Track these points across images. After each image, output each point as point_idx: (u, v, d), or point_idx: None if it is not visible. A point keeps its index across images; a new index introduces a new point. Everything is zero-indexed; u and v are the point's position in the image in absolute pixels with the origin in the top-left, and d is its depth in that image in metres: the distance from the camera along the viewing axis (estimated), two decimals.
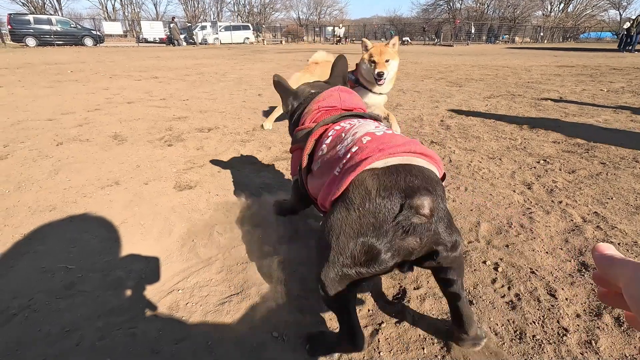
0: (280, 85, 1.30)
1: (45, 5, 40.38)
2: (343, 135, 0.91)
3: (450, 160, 2.36)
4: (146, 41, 25.63)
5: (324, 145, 0.95)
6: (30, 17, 20.11)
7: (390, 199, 0.69)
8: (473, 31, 32.47)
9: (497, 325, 1.01)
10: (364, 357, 0.91)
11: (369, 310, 1.07)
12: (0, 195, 1.82)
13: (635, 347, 0.93)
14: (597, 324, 1.01)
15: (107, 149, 2.59)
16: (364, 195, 0.72)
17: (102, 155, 2.45)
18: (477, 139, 2.86)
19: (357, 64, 2.68)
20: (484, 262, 1.29)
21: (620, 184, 1.96)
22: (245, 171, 2.18)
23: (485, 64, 9.82)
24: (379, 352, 0.92)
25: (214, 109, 3.97)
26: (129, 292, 1.14)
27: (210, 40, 26.58)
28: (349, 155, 0.81)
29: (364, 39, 2.65)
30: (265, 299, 1.11)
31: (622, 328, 0.99)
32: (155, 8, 52.90)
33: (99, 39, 22.06)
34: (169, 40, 23.46)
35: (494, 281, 1.19)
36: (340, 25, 35.15)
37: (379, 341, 0.95)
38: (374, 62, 2.50)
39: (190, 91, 5.19)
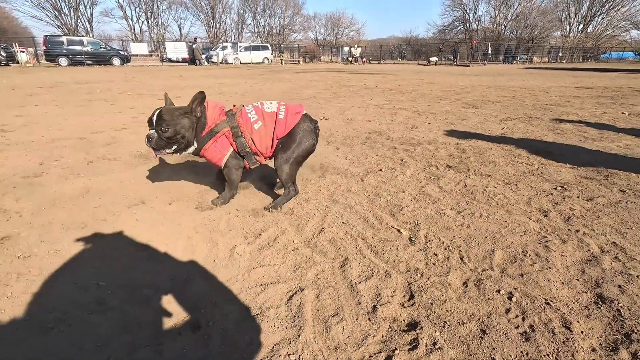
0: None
1: (78, 27, 42.88)
2: (261, 108, 1.95)
3: (466, 185, 2.38)
4: (169, 61, 26.72)
5: (254, 115, 1.92)
6: (64, 39, 21.37)
7: (313, 125, 2.01)
8: (490, 51, 32.50)
9: (511, 355, 1.02)
10: None
11: (382, 337, 1.10)
12: (38, 211, 1.94)
13: None
14: (614, 359, 1.01)
15: (134, 167, 2.73)
16: (307, 125, 1.98)
17: (128, 174, 2.58)
18: (493, 163, 2.87)
19: None
20: (498, 291, 1.30)
21: None
22: (264, 194, 2.26)
23: (502, 85, 9.82)
24: None
25: None
26: (155, 309, 1.20)
27: (230, 60, 27.50)
28: (282, 114, 1.92)
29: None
30: (282, 320, 1.16)
31: None
32: (179, 29, 55.32)
33: (125, 59, 23.18)
34: (192, 60, 24.41)
35: (507, 311, 1.20)
36: (356, 45, 35.85)
37: None
38: None
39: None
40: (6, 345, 1.05)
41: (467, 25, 48.95)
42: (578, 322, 1.15)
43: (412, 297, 1.27)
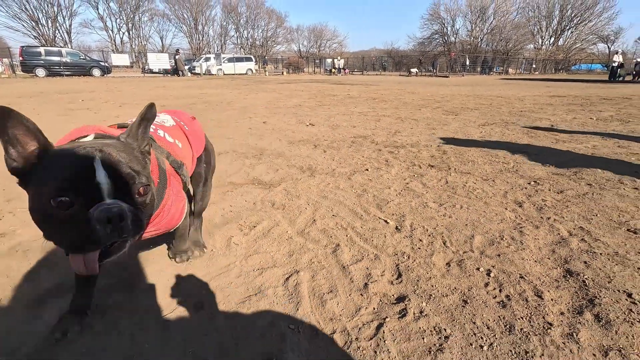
0: None
1: (56, 39, 42.13)
2: (160, 123, 1.34)
3: (447, 182, 2.53)
4: (151, 72, 26.53)
5: (163, 132, 1.26)
6: (42, 49, 20.99)
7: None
8: (468, 63, 33.72)
9: (490, 320, 1.13)
10: (370, 345, 1.03)
11: (374, 308, 1.19)
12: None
13: (611, 339, 1.05)
14: (579, 319, 1.13)
15: None
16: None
17: None
18: (472, 162, 3.04)
19: None
20: (478, 268, 1.42)
21: (605, 203, 2.11)
22: (256, 191, 2.33)
23: (480, 94, 10.23)
24: (384, 341, 1.04)
25: (222, 135, 4.18)
26: (158, 294, 1.26)
27: (214, 71, 27.55)
28: (186, 124, 1.44)
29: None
30: (280, 297, 1.23)
31: (601, 323, 1.11)
32: (161, 41, 55.12)
33: (106, 70, 22.92)
34: (174, 71, 24.32)
35: (486, 285, 1.32)
36: (339, 57, 36.55)
37: (384, 332, 1.07)
38: None
39: (197, 119, 5.43)
40: None
41: (446, 38, 50.72)
42: (548, 291, 1.27)
43: (399, 275, 1.37)
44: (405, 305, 1.19)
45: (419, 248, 1.59)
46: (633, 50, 47.58)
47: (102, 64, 23.35)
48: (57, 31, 42.76)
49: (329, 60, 38.00)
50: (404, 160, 3.12)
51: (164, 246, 1.56)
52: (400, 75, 33.09)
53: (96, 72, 22.08)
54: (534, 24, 49.40)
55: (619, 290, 1.28)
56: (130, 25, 50.13)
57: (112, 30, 49.35)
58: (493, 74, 33.97)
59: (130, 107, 6.85)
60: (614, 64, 19.80)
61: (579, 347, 1.02)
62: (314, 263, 1.46)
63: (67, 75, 20.68)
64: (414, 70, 31.45)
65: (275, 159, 3.12)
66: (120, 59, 29.30)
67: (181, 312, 1.17)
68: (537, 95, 10.03)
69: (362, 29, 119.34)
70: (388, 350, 1.00)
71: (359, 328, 1.09)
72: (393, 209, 2.03)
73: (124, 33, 50.40)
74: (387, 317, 1.14)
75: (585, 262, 1.47)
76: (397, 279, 1.35)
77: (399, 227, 1.79)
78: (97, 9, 47.72)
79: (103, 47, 44.63)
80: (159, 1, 58.34)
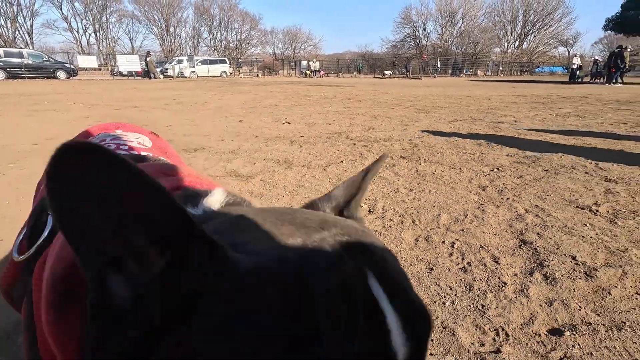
0: None
1: (16, 40, 40.09)
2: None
3: (417, 171, 2.67)
4: (121, 74, 25.75)
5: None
6: (1, 51, 19.93)
7: None
8: (439, 65, 34.79)
9: (452, 282, 1.24)
10: None
11: None
12: (1, 205, 1.93)
13: (556, 292, 1.19)
14: (530, 279, 1.27)
15: None
16: None
17: None
18: (441, 154, 3.21)
19: None
20: (443, 242, 1.54)
21: (558, 185, 2.31)
22: (234, 182, 2.38)
23: (450, 94, 10.63)
24: None
25: (198, 133, 4.18)
26: None
27: (187, 73, 27.06)
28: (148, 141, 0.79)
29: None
30: None
31: (548, 281, 1.25)
32: (131, 42, 53.53)
33: (72, 72, 22.03)
34: (145, 74, 23.72)
35: (450, 255, 1.44)
36: (315, 59, 36.82)
37: None
38: None
39: (172, 118, 5.39)
40: None
41: (418, 41, 52.10)
42: (505, 258, 1.41)
43: None
44: None
45: (390, 227, 1.70)
46: (590, 53, 50.60)
47: (68, 66, 22.42)
48: (17, 32, 40.70)
49: (304, 63, 38.19)
50: (378, 153, 3.25)
51: None
52: (374, 77, 33.68)
53: (61, 74, 21.17)
54: (499, 28, 51.64)
55: (565, 255, 1.43)
56: (97, 26, 48.41)
57: (77, 32, 47.49)
58: (463, 76, 35.21)
59: (101, 108, 6.67)
60: (573, 66, 21.06)
61: (528, 300, 1.15)
62: None
63: (29, 77, 19.73)
64: (387, 72, 32.11)
65: (252, 154, 3.17)
66: (87, 61, 28.27)
67: None
68: (503, 95, 10.54)
69: (337, 32, 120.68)
70: None
71: None
72: (366, 195, 2.14)
73: (90, 34, 48.60)
74: None
75: (538, 234, 1.62)
76: None
77: (371, 210, 1.90)
78: (61, 9, 45.58)
79: (68, 48, 42.80)
80: (127, 2, 56.58)
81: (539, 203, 2.00)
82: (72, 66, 22.87)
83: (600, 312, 1.09)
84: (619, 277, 1.26)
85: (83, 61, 27.82)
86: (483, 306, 1.11)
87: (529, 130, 4.44)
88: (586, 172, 2.59)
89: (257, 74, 35.08)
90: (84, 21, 47.52)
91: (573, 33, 51.65)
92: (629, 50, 16.13)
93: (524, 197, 2.09)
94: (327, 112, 6.40)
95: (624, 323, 1.04)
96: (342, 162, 2.93)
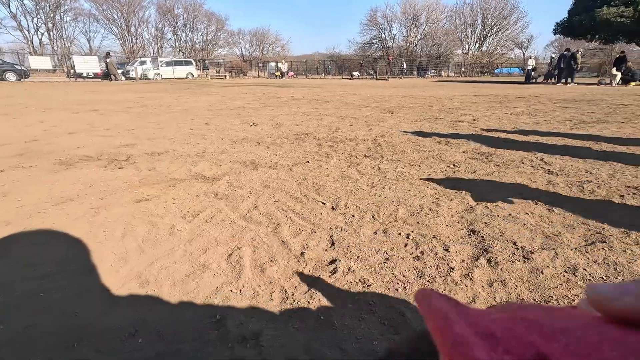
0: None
1: None
2: None
3: (379, 169, 2.78)
4: (79, 76, 24.46)
5: None
6: None
7: None
8: (405, 67, 35.79)
9: (406, 270, 1.34)
10: (304, 297, 1.18)
11: (309, 270, 1.34)
12: None
13: (497, 275, 1.31)
14: (475, 264, 1.39)
15: (54, 172, 2.63)
16: None
17: (51, 177, 2.49)
18: (403, 152, 3.36)
19: None
20: (399, 234, 1.64)
21: (507, 178, 2.50)
22: (199, 185, 2.38)
23: (416, 95, 11.00)
24: (317, 293, 1.20)
25: (162, 136, 4.10)
26: (98, 280, 1.29)
27: (151, 75, 26.15)
28: None
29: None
30: (224, 270, 1.34)
31: (491, 265, 1.38)
32: (89, 43, 50.95)
33: (23, 74, 20.68)
34: (105, 75, 22.69)
35: (405, 245, 1.54)
36: (283, 61, 36.71)
37: (316, 286, 1.23)
38: None
39: (135, 122, 5.24)
40: None
41: (384, 43, 53.28)
42: (454, 246, 1.53)
43: (333, 244, 1.55)
44: (336, 265, 1.36)
45: (351, 222, 1.78)
46: (543, 55, 53.92)
47: (18, 67, 21.01)
48: None
49: (272, 64, 37.97)
50: (343, 152, 3.35)
51: (116, 235, 1.58)
52: (343, 78, 34.10)
53: (10, 76, 19.81)
54: (461, 31, 53.95)
55: (507, 241, 1.57)
56: (50, 25, 45.66)
57: (28, 31, 44.57)
58: (428, 77, 36.42)
59: (57, 112, 6.35)
60: (528, 67, 22.39)
61: (472, 282, 1.26)
62: (255, 240, 1.58)
63: None
64: (355, 73, 32.63)
65: (218, 156, 3.16)
66: (40, 62, 26.58)
67: (129, 288, 1.22)
68: (464, 94, 11.04)
69: (305, 33, 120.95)
70: (319, 299, 1.16)
71: (295, 286, 1.24)
72: (330, 193, 2.22)
73: (42, 34, 45.77)
74: (320, 275, 1.30)
75: (485, 223, 1.76)
76: (330, 246, 1.52)
77: (334, 207, 1.98)
78: (9, 7, 42.58)
79: (18, 48, 40.04)
80: (83, 0, 53.76)
81: (489, 195, 2.16)
82: (22, 67, 21.46)
83: (533, 290, 1.23)
84: (551, 258, 1.41)
85: (35, 62, 26.13)
86: (431, 289, 1.21)
87: (485, 129, 4.72)
88: (532, 166, 2.81)
89: (225, 76, 34.48)
90: (35, 19, 44.68)
91: (527, 36, 54.90)
92: (580, 52, 17.39)
93: (476, 190, 2.25)
94: (295, 113, 6.45)
95: (552, 297, 1.18)
96: (308, 162, 2.99)
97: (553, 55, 22.57)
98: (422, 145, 3.69)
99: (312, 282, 1.26)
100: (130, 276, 1.30)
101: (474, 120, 5.52)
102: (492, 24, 51.95)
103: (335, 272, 1.31)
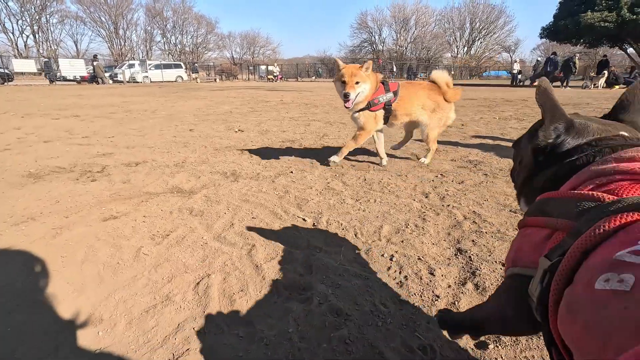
0: (548, 97, 0.65)
1: None
2: None
3: (365, 179, 2.69)
4: (65, 79, 23.96)
5: None
6: None
7: None
8: (395, 70, 35.99)
9: (387, 299, 1.24)
10: (274, 334, 1.06)
11: (282, 300, 1.23)
12: None
13: (482, 301, 1.21)
14: (462, 290, 1.29)
15: (21, 187, 2.47)
16: None
17: (14, 193, 2.34)
18: (389, 161, 3.27)
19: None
20: (382, 255, 1.54)
21: (495, 189, 2.42)
22: (174, 199, 2.26)
23: None
24: (289, 329, 1.09)
25: (143, 144, 3.95)
26: (52, 317, 1.16)
27: (139, 78, 25.79)
28: None
29: (337, 59, 2.94)
30: (189, 302, 1.22)
31: (479, 291, 1.29)
32: (76, 45, 50.16)
33: (7, 77, 20.22)
34: (92, 79, 22.30)
35: (388, 268, 1.44)
36: (275, 64, 36.64)
37: (288, 320, 1.12)
38: (344, 82, 2.72)
39: (116, 128, 5.07)
40: None
41: (374, 46, 53.58)
42: (440, 269, 1.43)
43: (310, 267, 1.44)
44: (312, 294, 1.26)
45: (332, 241, 1.67)
46: (530, 58, 54.81)
47: (1, 70, 20.53)
48: None
49: (262, 67, 37.84)
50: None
51: (77, 259, 1.44)
52: (333, 81, 34.11)
53: None
54: (449, 35, 54.50)
55: (495, 262, 1.48)
56: (36, 27, 44.81)
57: (12, 33, 43.68)
58: (418, 80, 36.66)
59: (36, 118, 6.13)
60: (514, 71, 22.70)
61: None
62: (227, 265, 1.46)
63: None
64: None
65: (198, 167, 3.03)
66: (24, 65, 25.95)
67: (78, 328, 1.09)
68: None
69: (295, 36, 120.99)
70: (290, 338, 1.05)
71: (266, 320, 1.13)
72: (312, 207, 2.11)
73: (27, 36, 44.91)
74: (293, 307, 1.19)
75: (473, 241, 1.67)
76: (307, 271, 1.42)
77: (315, 224, 1.87)
78: None
79: (2, 51, 39.19)
80: (70, 2, 52.93)
81: (477, 209, 2.07)
82: (6, 70, 20.99)
83: None
84: None
85: (20, 65, 25.53)
86: (415, 323, 1.11)
87: (473, 135, 4.67)
88: None
89: (215, 79, 34.21)
90: (20, 22, 43.82)
91: (514, 40, 55.70)
92: (577, 57, 17.73)
93: (463, 203, 2.16)
94: (282, 118, 6.35)
95: None
96: (292, 172, 2.88)
97: (539, 59, 22.94)
98: (409, 152, 3.62)
99: (283, 315, 1.15)
100: (83, 312, 1.17)
101: (462, 125, 5.47)
102: (480, 27, 52.64)
103: (309, 302, 1.20)
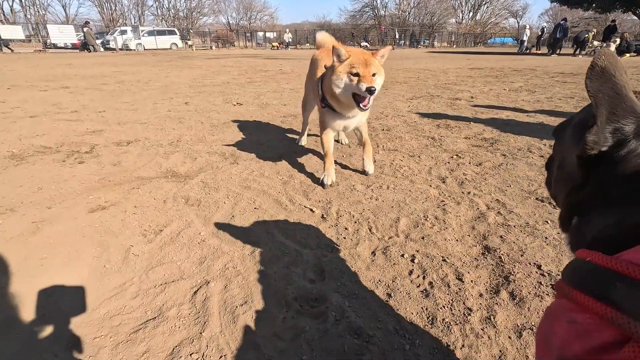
0: (607, 81, 0.39)
1: None
2: None
3: (375, 161, 2.48)
4: (55, 47, 22.99)
5: None
6: None
7: None
8: (397, 36, 34.62)
9: (413, 313, 1.08)
10: None
11: (292, 317, 1.08)
12: None
13: (524, 317, 1.06)
14: (496, 300, 1.13)
15: (2, 170, 2.27)
16: None
17: None
18: (399, 138, 3.05)
19: (321, 76, 2.11)
20: (402, 255, 1.37)
21: (517, 172, 2.23)
22: (168, 186, 2.06)
23: (409, 67, 10.52)
24: (303, 356, 0.93)
25: (135, 120, 3.70)
26: (25, 334, 1.00)
27: (133, 45, 24.76)
28: None
29: (334, 45, 1.98)
30: (185, 319, 1.06)
31: (515, 301, 1.13)
32: (65, 10, 47.92)
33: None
34: (83, 46, 21.38)
35: (410, 272, 1.27)
36: (287, 30, 35.17)
37: (301, 345, 0.96)
38: (357, 74, 1.81)
39: (107, 102, 4.78)
40: None
41: (376, 11, 51.28)
42: (468, 273, 1.27)
43: (322, 273, 1.27)
44: (326, 307, 1.10)
45: (344, 237, 1.50)
46: (537, 24, 52.72)
47: None
48: None
49: (260, 34, 36.35)
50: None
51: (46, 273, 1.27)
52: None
53: None
54: None
55: (529, 263, 1.32)
56: None
57: None
58: (421, 47, 35.37)
59: (22, 90, 5.80)
60: (524, 38, 21.77)
61: (496, 331, 1.01)
62: (228, 269, 1.29)
63: None
64: (364, 44, 31.54)
65: (195, 146, 2.82)
66: (11, 32, 24.82)
67: (54, 356, 0.94)
68: (459, 67, 10.60)
69: (293, 0, 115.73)
70: None
71: (275, 343, 0.97)
72: (320, 195, 1.93)
73: (13, 0, 42.73)
74: (304, 326, 1.03)
75: (501, 237, 1.50)
76: (319, 277, 1.25)
77: (324, 216, 1.69)
78: None
79: None
80: None
81: (500, 196, 1.89)
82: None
83: None
84: None
85: (7, 31, 24.40)
86: (448, 346, 0.96)
87: (485, 107, 4.41)
88: (541, 156, 2.55)
89: (211, 46, 32.94)
90: None
91: (522, 4, 53.48)
92: (592, 32, 17.07)
93: (485, 190, 1.98)
94: (282, 90, 6.03)
95: None
96: (295, 152, 2.68)
97: (546, 25, 21.93)
98: (420, 129, 3.38)
99: (294, 336, 0.99)
100: (61, 334, 1.01)
101: (472, 97, 5.19)
102: None
103: (324, 318, 1.05)
